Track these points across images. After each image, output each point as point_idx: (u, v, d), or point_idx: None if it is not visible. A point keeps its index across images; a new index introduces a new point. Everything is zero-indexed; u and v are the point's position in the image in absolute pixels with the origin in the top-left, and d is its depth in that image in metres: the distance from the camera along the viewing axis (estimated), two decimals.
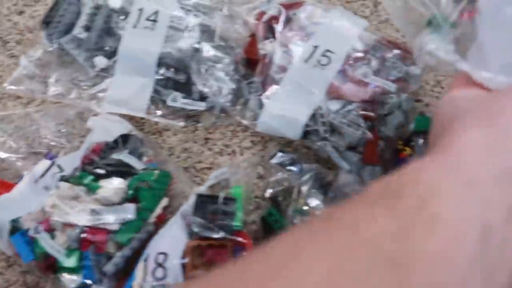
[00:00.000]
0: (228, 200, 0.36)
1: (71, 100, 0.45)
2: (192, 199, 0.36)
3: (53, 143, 0.43)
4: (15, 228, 0.36)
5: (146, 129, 0.46)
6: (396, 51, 0.45)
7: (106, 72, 0.46)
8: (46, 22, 0.47)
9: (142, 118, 0.46)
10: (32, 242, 0.35)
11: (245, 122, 0.44)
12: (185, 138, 0.46)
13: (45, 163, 0.40)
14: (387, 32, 0.50)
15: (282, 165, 0.42)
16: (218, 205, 0.35)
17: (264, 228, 0.40)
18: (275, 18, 0.47)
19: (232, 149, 0.45)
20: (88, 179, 0.36)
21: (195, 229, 0.34)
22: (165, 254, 0.33)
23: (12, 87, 0.46)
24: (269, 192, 0.40)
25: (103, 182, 0.36)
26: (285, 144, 0.45)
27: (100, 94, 0.45)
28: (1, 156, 0.42)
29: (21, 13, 0.52)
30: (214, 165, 0.44)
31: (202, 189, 0.37)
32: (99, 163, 0.38)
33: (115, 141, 0.40)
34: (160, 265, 0.32)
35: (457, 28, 0.32)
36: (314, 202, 0.39)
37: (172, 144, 0.45)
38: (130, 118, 0.45)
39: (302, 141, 0.44)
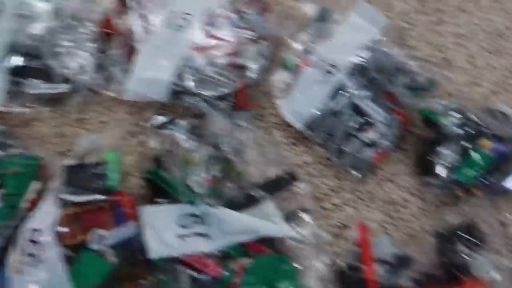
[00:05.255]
0: (98, 164, 0.36)
1: None
2: (61, 172, 0.35)
3: None
4: None
5: (13, 122, 0.44)
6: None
7: None
8: None
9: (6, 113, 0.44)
10: None
11: (111, 94, 0.44)
12: (56, 124, 0.45)
13: None
14: None
15: (161, 127, 0.43)
16: (88, 171, 0.35)
17: (151, 188, 0.40)
18: None
19: (108, 124, 0.45)
20: None
21: (67, 198, 0.33)
22: (37, 230, 0.32)
23: None
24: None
25: None
26: (161, 108, 0.46)
27: None
28: None
29: None
30: None
31: (69, 160, 0.37)
32: None
33: None
34: (33, 241, 0.32)
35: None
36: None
37: (44, 132, 0.44)
38: None
39: (175, 102, 0.45)
